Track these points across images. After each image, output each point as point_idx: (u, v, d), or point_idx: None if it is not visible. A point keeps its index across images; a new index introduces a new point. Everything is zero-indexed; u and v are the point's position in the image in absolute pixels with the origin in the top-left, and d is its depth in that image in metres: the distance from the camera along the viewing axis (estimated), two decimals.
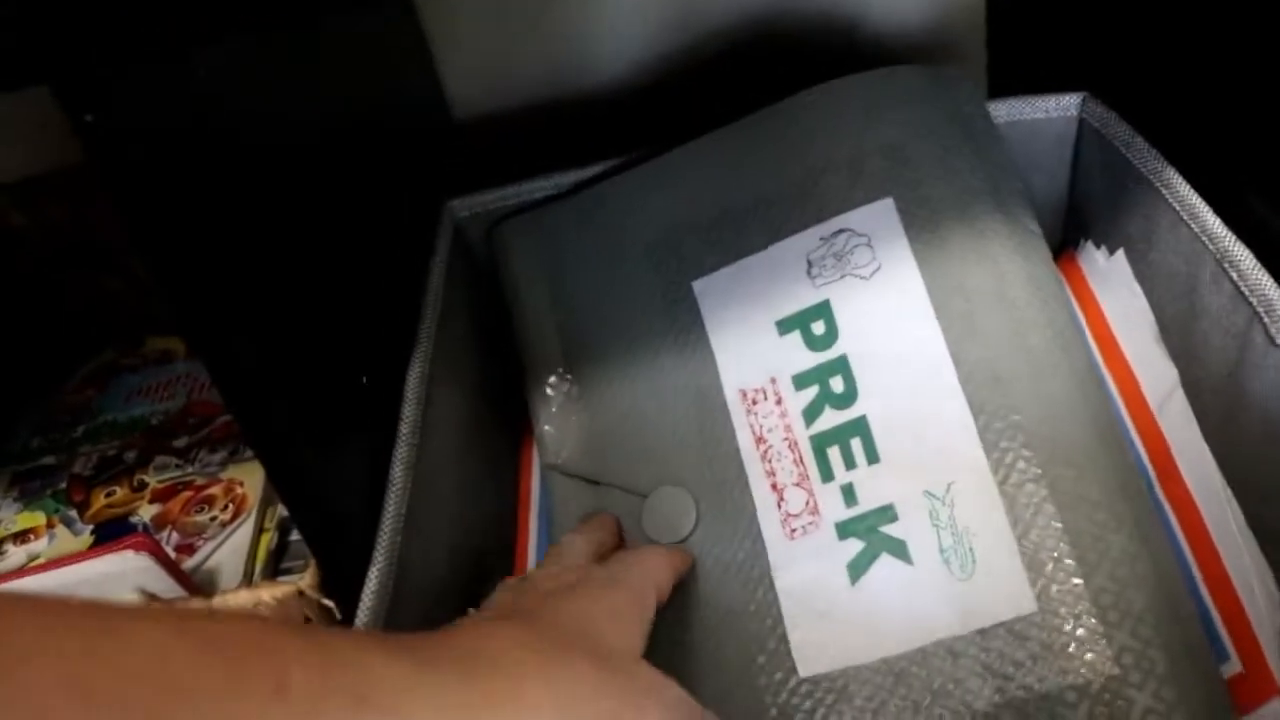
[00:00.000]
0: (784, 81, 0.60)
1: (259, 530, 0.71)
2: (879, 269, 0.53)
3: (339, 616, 0.54)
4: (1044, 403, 0.49)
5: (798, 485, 0.51)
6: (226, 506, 0.73)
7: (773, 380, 0.54)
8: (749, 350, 0.55)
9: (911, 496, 0.49)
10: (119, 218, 0.38)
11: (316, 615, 0.56)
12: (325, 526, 0.51)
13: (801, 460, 0.51)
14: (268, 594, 0.55)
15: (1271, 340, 0.45)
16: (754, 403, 0.54)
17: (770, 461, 0.52)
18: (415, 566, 0.48)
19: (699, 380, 0.55)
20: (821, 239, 0.55)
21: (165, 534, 0.73)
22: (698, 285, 0.57)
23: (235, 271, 0.45)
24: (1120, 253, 0.57)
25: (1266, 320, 0.45)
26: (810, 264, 0.54)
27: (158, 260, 0.40)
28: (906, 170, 0.54)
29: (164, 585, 0.62)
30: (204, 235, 0.43)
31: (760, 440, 0.53)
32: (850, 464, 0.50)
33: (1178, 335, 0.53)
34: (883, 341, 0.52)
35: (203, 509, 0.74)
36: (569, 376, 0.59)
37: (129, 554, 0.62)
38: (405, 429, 0.52)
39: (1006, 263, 0.52)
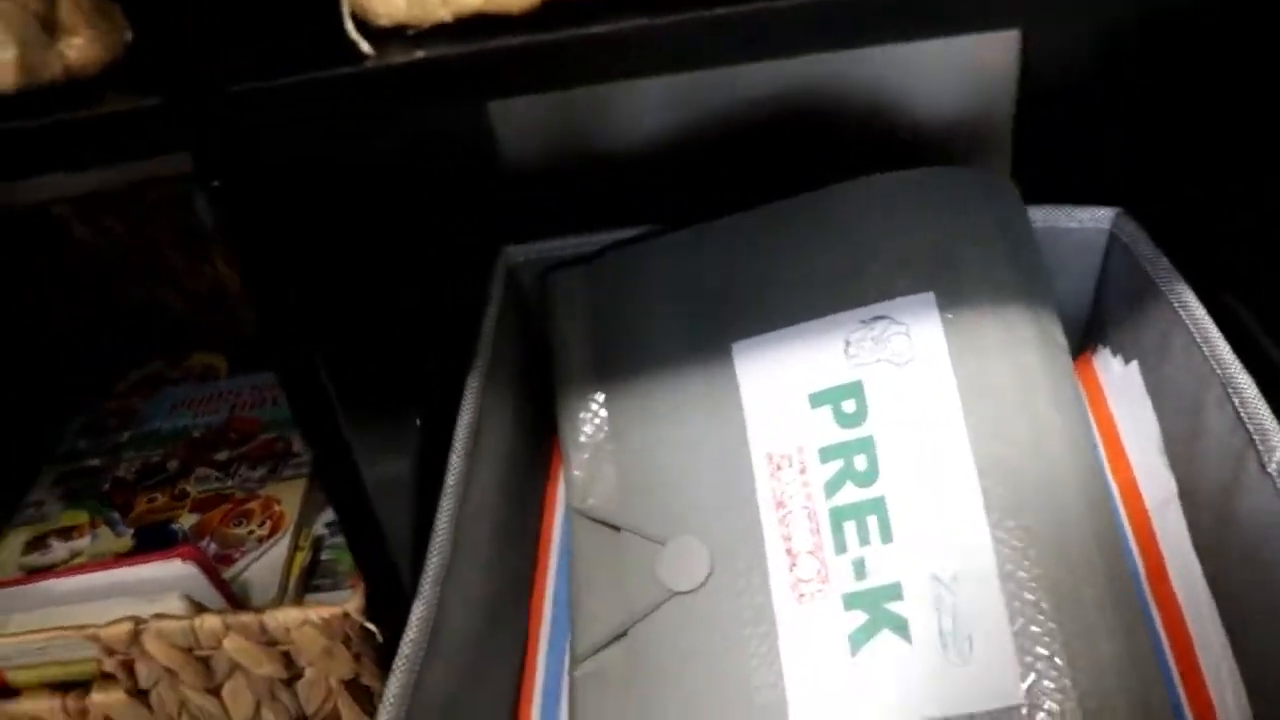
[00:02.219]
0: (821, 158, 0.63)
1: (294, 548, 0.73)
2: (913, 359, 0.56)
3: (380, 640, 0.57)
4: (1053, 508, 0.51)
5: (811, 553, 0.53)
6: (264, 522, 0.76)
7: (800, 449, 0.56)
8: (780, 417, 0.57)
9: (919, 578, 0.51)
10: (235, 263, 0.41)
11: (358, 637, 0.59)
12: (377, 554, 0.53)
13: (818, 530, 0.54)
14: (315, 614, 0.58)
15: (1263, 467, 0.48)
16: (779, 468, 0.56)
17: (788, 526, 0.54)
18: (452, 607, 0.51)
19: (727, 439, 0.58)
20: (861, 322, 0.57)
21: (204, 543, 0.75)
22: (737, 347, 0.59)
23: (315, 304, 0.48)
24: (1135, 364, 0.60)
25: (1261, 448, 0.48)
26: (848, 344, 0.57)
27: (261, 296, 0.43)
28: (949, 270, 0.57)
29: (207, 595, 0.65)
30: (292, 272, 0.46)
31: (780, 504, 0.55)
32: (864, 540, 0.53)
33: (1180, 448, 0.56)
34: (910, 428, 0.54)
35: (241, 522, 0.76)
36: (604, 423, 0.62)
37: (178, 562, 0.65)
38: (451, 478, 0.54)
39: (1033, 371, 0.55)
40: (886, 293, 0.58)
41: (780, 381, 0.58)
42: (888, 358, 0.56)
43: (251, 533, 0.76)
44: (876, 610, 0.51)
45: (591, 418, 0.62)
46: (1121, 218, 0.62)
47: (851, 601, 0.52)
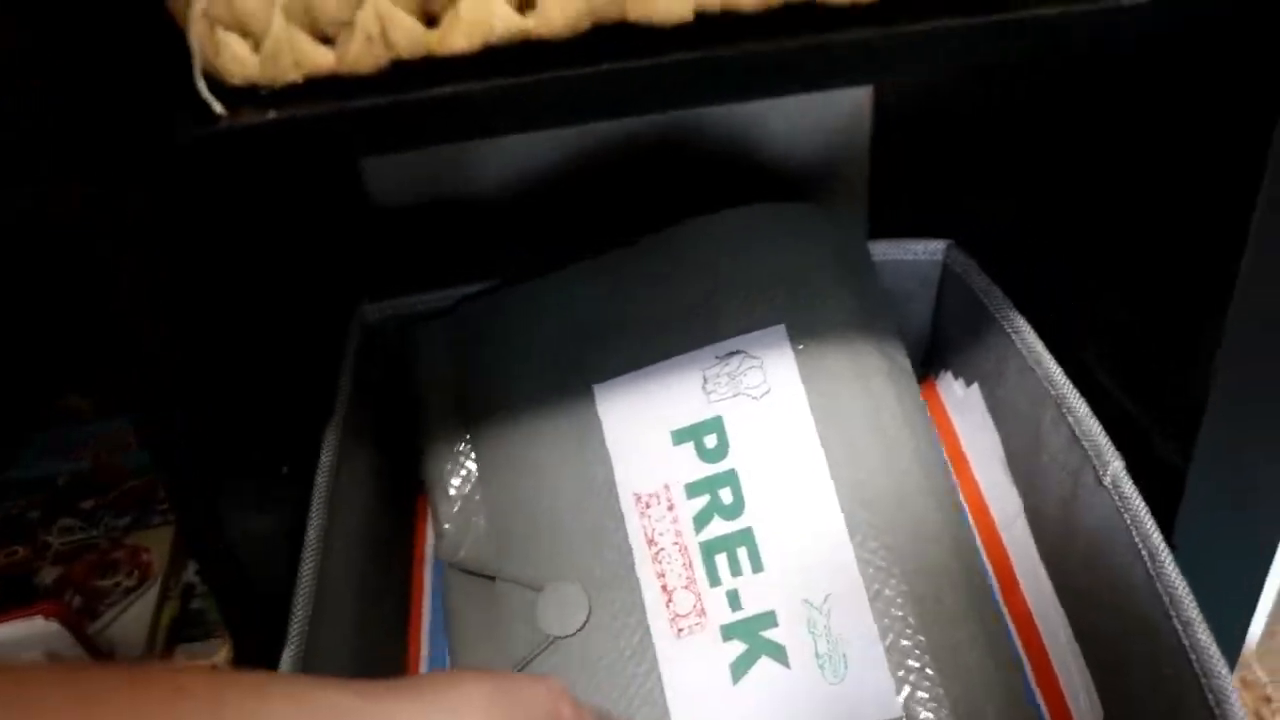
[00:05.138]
0: (685, 196, 0.64)
1: (163, 598, 0.70)
2: (769, 392, 0.56)
3: None
4: (910, 523, 0.53)
5: (686, 588, 0.54)
6: (132, 572, 0.73)
7: (666, 486, 0.56)
8: (644, 457, 0.57)
9: (792, 605, 0.52)
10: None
11: None
12: (243, 608, 0.52)
13: (691, 565, 0.54)
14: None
15: (1099, 481, 0.50)
16: (648, 506, 0.56)
17: (661, 563, 0.54)
18: (321, 656, 0.49)
19: (595, 481, 0.57)
20: (717, 358, 0.58)
21: (68, 596, 0.72)
22: (599, 389, 0.59)
23: (175, 348, 0.46)
24: (975, 386, 0.61)
25: (1096, 463, 0.50)
26: (706, 380, 0.58)
27: (119, 343, 0.42)
28: (798, 302, 0.58)
29: (73, 653, 0.62)
30: (154, 318, 0.45)
31: (652, 542, 0.55)
32: (736, 571, 0.53)
33: (1023, 466, 0.57)
34: (770, 460, 0.55)
35: (107, 574, 0.73)
36: (472, 474, 0.61)
37: (39, 619, 0.62)
38: (312, 533, 0.53)
39: (880, 393, 0.56)
40: (739, 327, 0.58)
41: (642, 421, 0.58)
42: (744, 391, 0.57)
43: (119, 584, 0.72)
44: (754, 639, 0.52)
45: (458, 469, 0.61)
46: (953, 249, 0.63)
47: (729, 632, 0.52)
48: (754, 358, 0.58)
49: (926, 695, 0.49)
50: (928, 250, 0.64)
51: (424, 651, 0.62)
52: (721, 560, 0.54)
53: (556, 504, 0.58)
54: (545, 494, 0.58)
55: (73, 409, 0.92)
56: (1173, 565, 0.46)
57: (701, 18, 0.35)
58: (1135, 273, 0.53)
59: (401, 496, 0.64)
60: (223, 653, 0.55)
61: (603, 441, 0.58)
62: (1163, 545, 0.47)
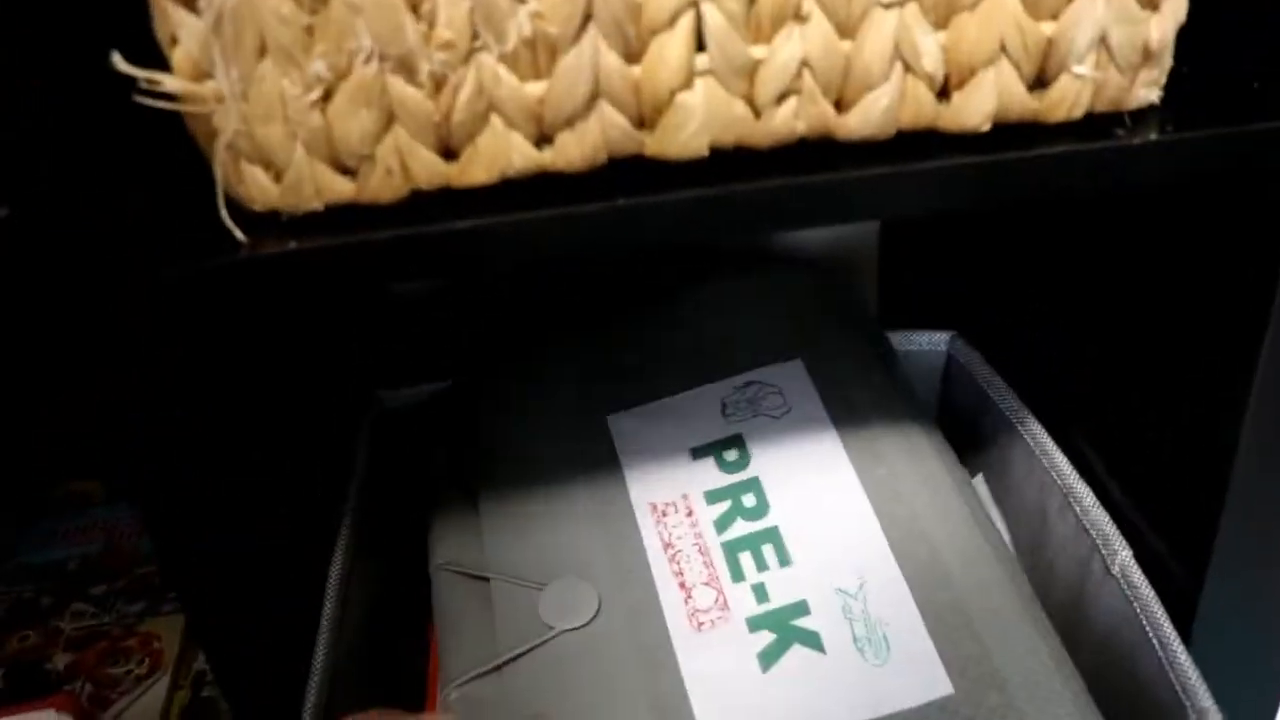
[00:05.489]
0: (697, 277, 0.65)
1: (174, 687, 0.70)
2: (789, 411, 0.57)
3: None
4: (942, 517, 0.52)
5: (707, 584, 0.52)
6: (143, 660, 0.73)
7: (685, 496, 0.55)
8: (661, 471, 0.56)
9: (824, 594, 0.50)
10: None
11: None
12: (252, 699, 0.52)
13: (712, 563, 0.52)
14: None
15: (1107, 569, 0.50)
16: (664, 514, 0.55)
17: (678, 564, 0.53)
18: None
19: (606, 493, 0.56)
20: (735, 388, 0.59)
21: (79, 684, 0.72)
22: (612, 419, 0.59)
23: (182, 432, 0.47)
24: (980, 476, 0.62)
25: (1104, 551, 0.51)
26: (725, 406, 0.58)
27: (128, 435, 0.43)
28: (811, 340, 0.60)
29: None
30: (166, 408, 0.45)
31: (669, 545, 0.53)
32: (762, 566, 0.52)
33: (1030, 555, 0.57)
34: (793, 466, 0.55)
35: (119, 661, 0.73)
36: (472, 498, 0.59)
37: (51, 712, 0.62)
38: (325, 625, 0.52)
39: (901, 411, 0.57)
40: (757, 362, 0.60)
41: (658, 441, 0.57)
42: (764, 412, 0.57)
43: (130, 672, 0.72)
44: (784, 628, 0.50)
45: (458, 497, 0.60)
46: (956, 340, 0.65)
47: (757, 623, 0.50)
48: (773, 386, 0.59)
49: (979, 671, 0.47)
50: (932, 341, 0.65)
51: None
52: (746, 558, 0.53)
53: (563, 516, 0.56)
54: (550, 506, 0.57)
55: (81, 493, 0.92)
56: (1185, 654, 0.46)
57: (716, 153, 0.36)
58: (1145, 371, 0.54)
59: (416, 588, 0.64)
60: None
61: (615, 459, 0.57)
62: (1174, 634, 0.47)
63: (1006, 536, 0.59)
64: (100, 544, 0.86)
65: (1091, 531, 0.52)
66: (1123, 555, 0.50)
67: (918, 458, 0.55)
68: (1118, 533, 0.51)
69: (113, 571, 0.83)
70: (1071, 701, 0.46)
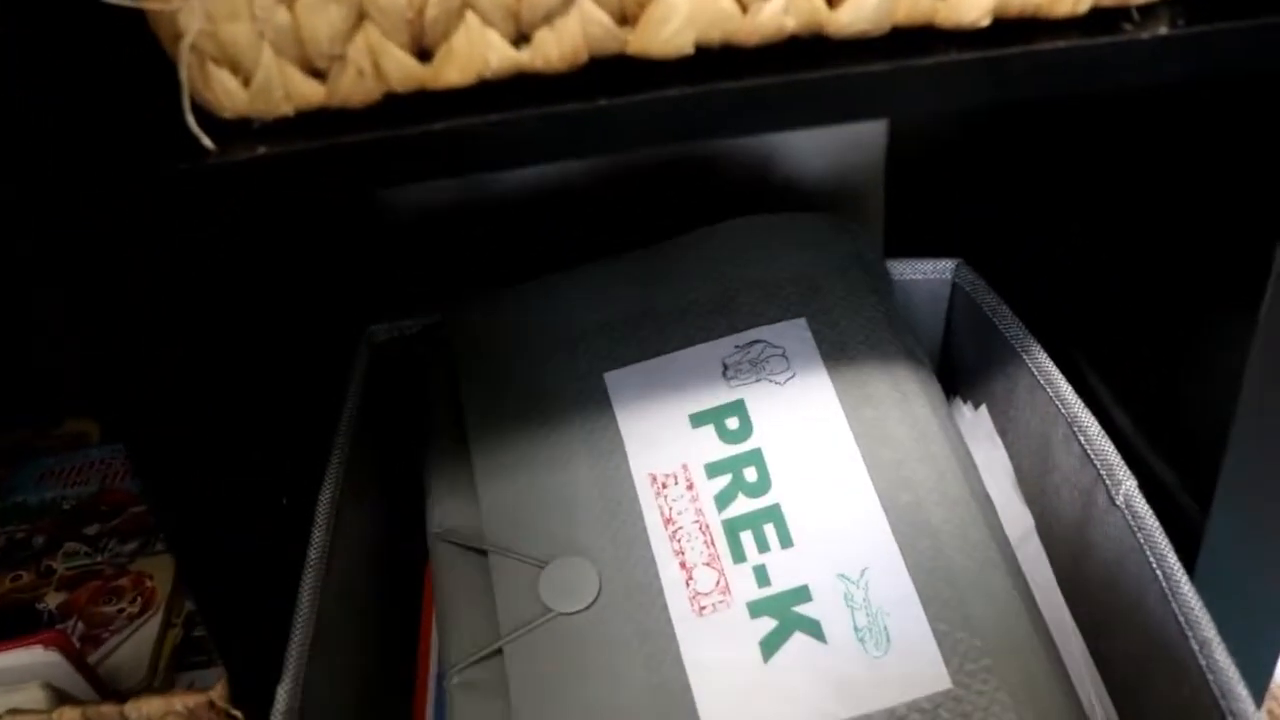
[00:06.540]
0: (698, 210, 0.63)
1: (166, 625, 0.70)
2: (793, 377, 0.55)
3: None
4: (946, 503, 0.51)
5: (708, 565, 0.51)
6: (135, 599, 0.72)
7: (684, 467, 0.54)
8: (660, 439, 0.55)
9: (826, 579, 0.50)
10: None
11: None
12: (239, 639, 0.51)
13: (713, 542, 0.51)
14: (180, 703, 0.55)
15: (1112, 500, 0.49)
16: (664, 486, 0.53)
17: (679, 542, 0.52)
18: (321, 686, 0.48)
19: (605, 461, 0.55)
20: (737, 347, 0.57)
21: (71, 623, 0.72)
22: (610, 376, 0.57)
23: (166, 367, 0.45)
24: (984, 407, 0.60)
25: (1108, 482, 0.49)
26: (726, 367, 0.56)
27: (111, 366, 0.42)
28: (816, 297, 0.58)
29: (71, 682, 0.60)
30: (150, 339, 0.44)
31: (670, 521, 0.52)
32: (764, 547, 0.51)
33: (1034, 485, 0.56)
34: (797, 439, 0.54)
35: (111, 600, 0.73)
36: (470, 456, 0.58)
37: (39, 649, 0.61)
38: (313, 554, 0.52)
39: (905, 382, 0.55)
40: (759, 319, 0.58)
41: (657, 405, 0.56)
42: (767, 377, 0.56)
43: (122, 610, 0.72)
44: (785, 614, 0.49)
45: (455, 452, 0.58)
46: (962, 268, 0.62)
47: (758, 609, 0.49)
48: (776, 346, 0.57)
49: (975, 666, 0.47)
50: (937, 269, 0.63)
51: (432, 670, 0.60)
52: (747, 537, 0.52)
53: (562, 484, 0.55)
54: (547, 469, 0.55)
55: (77, 433, 0.91)
56: (1189, 585, 0.45)
57: (703, 52, 0.34)
58: (1152, 297, 0.52)
59: (409, 522, 0.63)
60: (220, 687, 0.54)
61: (614, 424, 0.56)
62: (1177, 565, 0.46)
63: (1009, 467, 0.58)
64: (96, 484, 0.85)
65: (1096, 461, 0.50)
66: (1127, 485, 0.49)
67: (925, 439, 0.54)
68: (1122, 462, 0.50)
69: (107, 511, 0.82)
70: (1059, 689, 0.47)
